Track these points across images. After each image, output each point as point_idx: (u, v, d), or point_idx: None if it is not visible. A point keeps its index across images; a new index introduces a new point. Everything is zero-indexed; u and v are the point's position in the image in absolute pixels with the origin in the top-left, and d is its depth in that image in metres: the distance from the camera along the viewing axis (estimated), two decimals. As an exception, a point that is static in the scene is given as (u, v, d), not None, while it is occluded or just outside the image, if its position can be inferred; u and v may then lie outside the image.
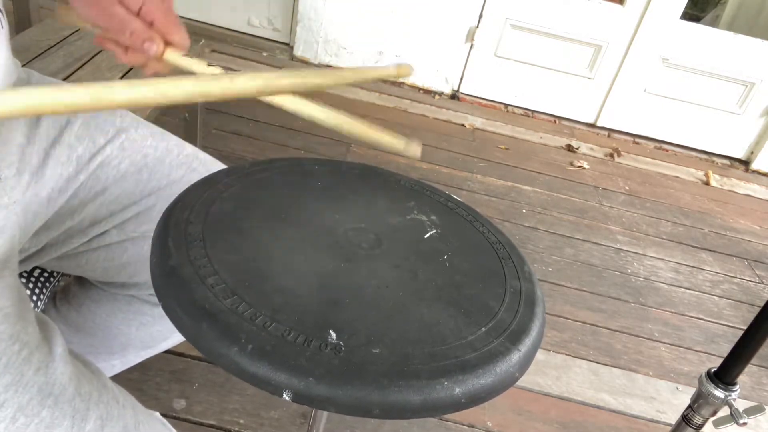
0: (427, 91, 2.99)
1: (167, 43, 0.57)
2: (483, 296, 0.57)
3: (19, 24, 1.76)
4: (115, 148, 0.72)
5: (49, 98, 0.41)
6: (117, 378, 0.73)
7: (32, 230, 0.68)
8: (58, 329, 0.58)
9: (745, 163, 3.08)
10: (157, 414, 0.67)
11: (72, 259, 0.76)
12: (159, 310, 0.83)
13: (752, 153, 3.05)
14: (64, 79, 1.27)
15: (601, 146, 2.93)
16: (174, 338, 0.89)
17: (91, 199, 0.71)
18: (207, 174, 0.67)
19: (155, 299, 0.82)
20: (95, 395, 0.55)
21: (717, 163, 3.06)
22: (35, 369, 0.51)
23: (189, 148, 0.80)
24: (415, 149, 0.51)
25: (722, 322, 1.84)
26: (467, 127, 2.78)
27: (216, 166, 0.80)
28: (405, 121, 2.67)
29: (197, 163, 0.79)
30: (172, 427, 0.69)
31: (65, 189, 0.69)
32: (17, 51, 0.65)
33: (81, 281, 0.86)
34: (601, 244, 2.10)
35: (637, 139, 3.08)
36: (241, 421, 1.17)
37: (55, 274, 0.82)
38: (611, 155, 2.85)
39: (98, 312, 0.84)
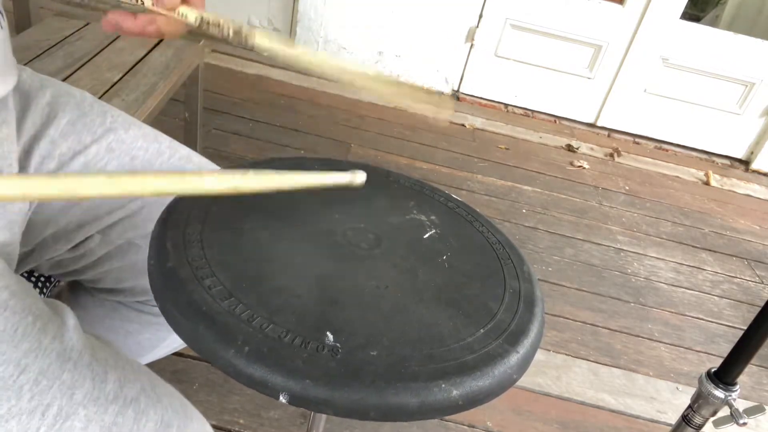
0: (427, 92, 2.99)
1: (184, 1, 0.55)
2: (482, 297, 0.57)
3: (19, 24, 1.76)
4: (102, 148, 0.71)
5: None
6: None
7: (20, 228, 0.67)
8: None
9: (745, 163, 3.07)
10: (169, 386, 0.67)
11: (60, 266, 0.76)
12: (146, 317, 0.82)
13: (752, 153, 3.05)
14: (64, 80, 1.27)
15: (601, 146, 2.92)
16: (162, 348, 0.87)
17: (76, 201, 0.71)
18: None
19: (142, 306, 0.81)
20: (111, 361, 0.56)
21: (717, 163, 3.06)
22: (51, 337, 0.52)
23: (183, 150, 0.78)
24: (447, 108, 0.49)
25: (722, 322, 1.84)
26: (467, 127, 2.78)
27: (211, 168, 0.79)
28: (405, 121, 2.67)
29: (190, 166, 0.77)
30: (182, 395, 0.69)
31: None
32: (17, 51, 0.64)
33: (72, 288, 0.85)
34: (601, 244, 2.10)
35: (637, 139, 3.07)
36: (241, 421, 1.16)
37: (52, 279, 0.82)
38: (611, 155, 2.84)
39: (85, 318, 0.83)
